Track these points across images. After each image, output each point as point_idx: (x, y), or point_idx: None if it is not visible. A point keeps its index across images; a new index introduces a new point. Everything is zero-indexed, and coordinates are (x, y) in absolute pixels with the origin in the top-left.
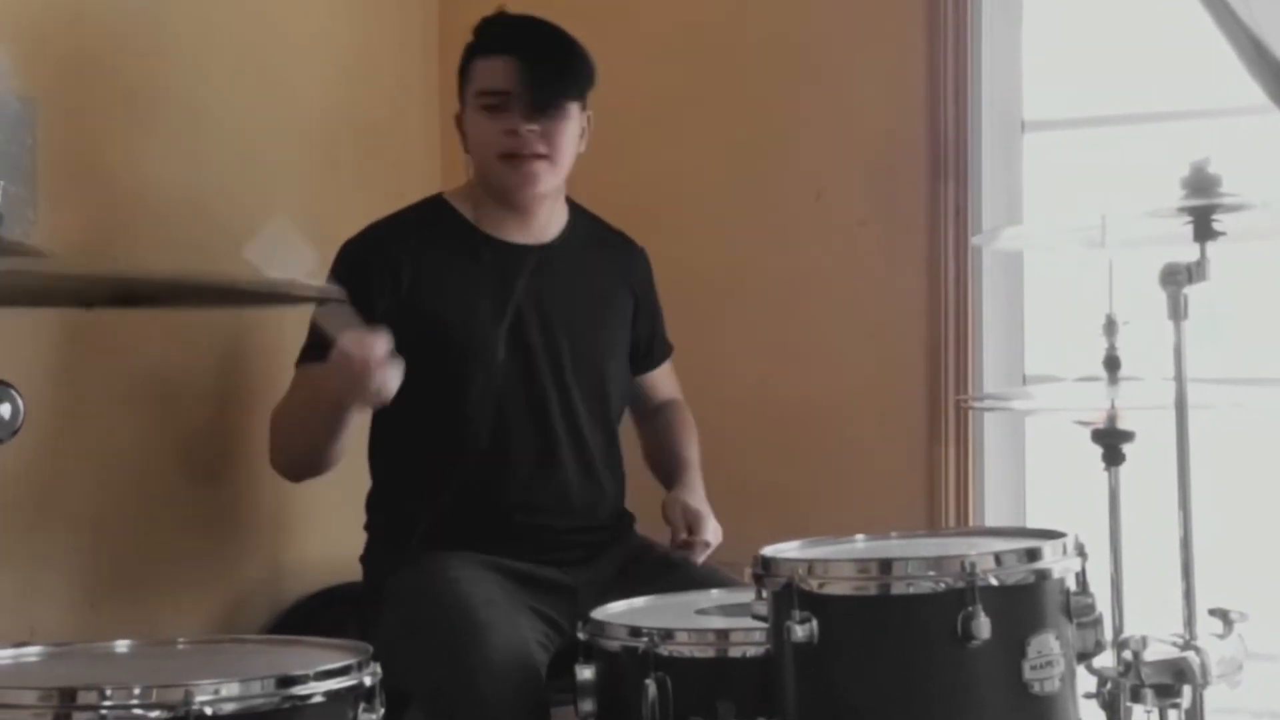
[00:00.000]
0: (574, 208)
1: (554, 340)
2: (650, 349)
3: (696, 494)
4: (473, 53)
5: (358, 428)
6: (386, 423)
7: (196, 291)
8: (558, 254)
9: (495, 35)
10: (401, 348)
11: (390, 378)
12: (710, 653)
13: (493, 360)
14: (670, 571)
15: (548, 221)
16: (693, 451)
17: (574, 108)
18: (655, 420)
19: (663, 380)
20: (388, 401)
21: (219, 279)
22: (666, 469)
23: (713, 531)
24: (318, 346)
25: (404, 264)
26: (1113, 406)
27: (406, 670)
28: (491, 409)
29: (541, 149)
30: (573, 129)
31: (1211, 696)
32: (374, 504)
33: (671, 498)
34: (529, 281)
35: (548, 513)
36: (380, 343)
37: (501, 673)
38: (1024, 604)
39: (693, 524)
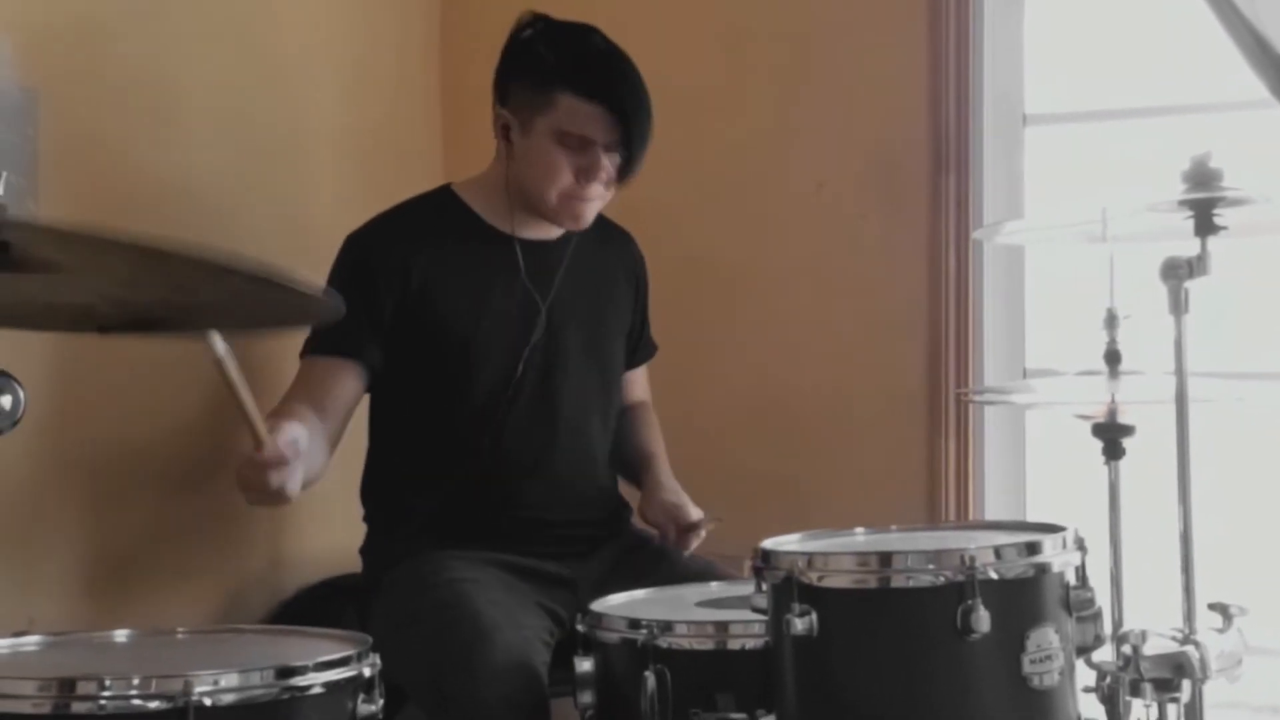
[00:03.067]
0: None
1: (562, 336)
2: (637, 346)
3: (669, 486)
4: (560, 83)
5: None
6: (387, 414)
7: (202, 304)
8: (561, 248)
9: (594, 80)
10: (407, 341)
11: (290, 481)
12: (709, 645)
13: (510, 366)
14: (669, 564)
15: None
16: (660, 447)
17: None
18: (623, 418)
19: (639, 380)
20: (288, 502)
21: (219, 256)
22: (632, 465)
23: (696, 515)
24: (320, 337)
25: (413, 259)
26: (1113, 400)
27: (405, 667)
28: (496, 408)
29: (600, 193)
30: None
31: (1211, 691)
32: (372, 495)
33: (646, 501)
34: (535, 276)
35: (548, 507)
36: (281, 447)
37: (504, 678)
38: (1023, 598)
39: (677, 517)
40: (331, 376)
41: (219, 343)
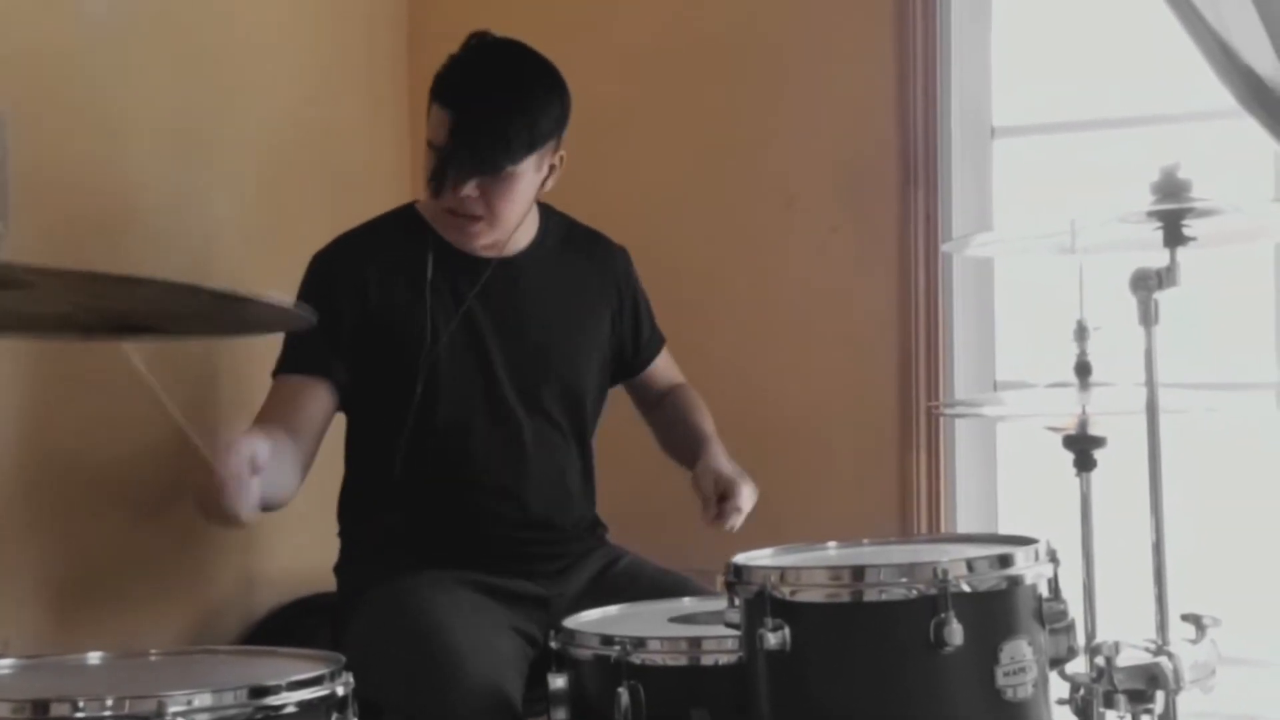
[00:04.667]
0: (546, 212)
1: (521, 352)
2: (639, 345)
3: (723, 461)
4: (432, 94)
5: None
6: (359, 432)
7: (179, 312)
8: (526, 264)
9: (446, 82)
10: (372, 359)
11: (244, 499)
12: (683, 661)
13: (466, 380)
14: (642, 581)
15: (515, 234)
16: (708, 425)
17: (521, 168)
18: (663, 407)
19: (663, 370)
20: (243, 525)
21: (185, 284)
22: (686, 447)
23: (747, 496)
24: (288, 357)
25: (370, 275)
26: (1084, 412)
27: (378, 690)
28: (459, 424)
29: (478, 211)
30: (519, 188)
31: (1184, 702)
32: (346, 513)
33: (702, 468)
34: (494, 294)
35: (519, 526)
36: (237, 459)
37: (476, 703)
38: (996, 610)
39: (726, 490)
40: (301, 395)
41: (137, 361)
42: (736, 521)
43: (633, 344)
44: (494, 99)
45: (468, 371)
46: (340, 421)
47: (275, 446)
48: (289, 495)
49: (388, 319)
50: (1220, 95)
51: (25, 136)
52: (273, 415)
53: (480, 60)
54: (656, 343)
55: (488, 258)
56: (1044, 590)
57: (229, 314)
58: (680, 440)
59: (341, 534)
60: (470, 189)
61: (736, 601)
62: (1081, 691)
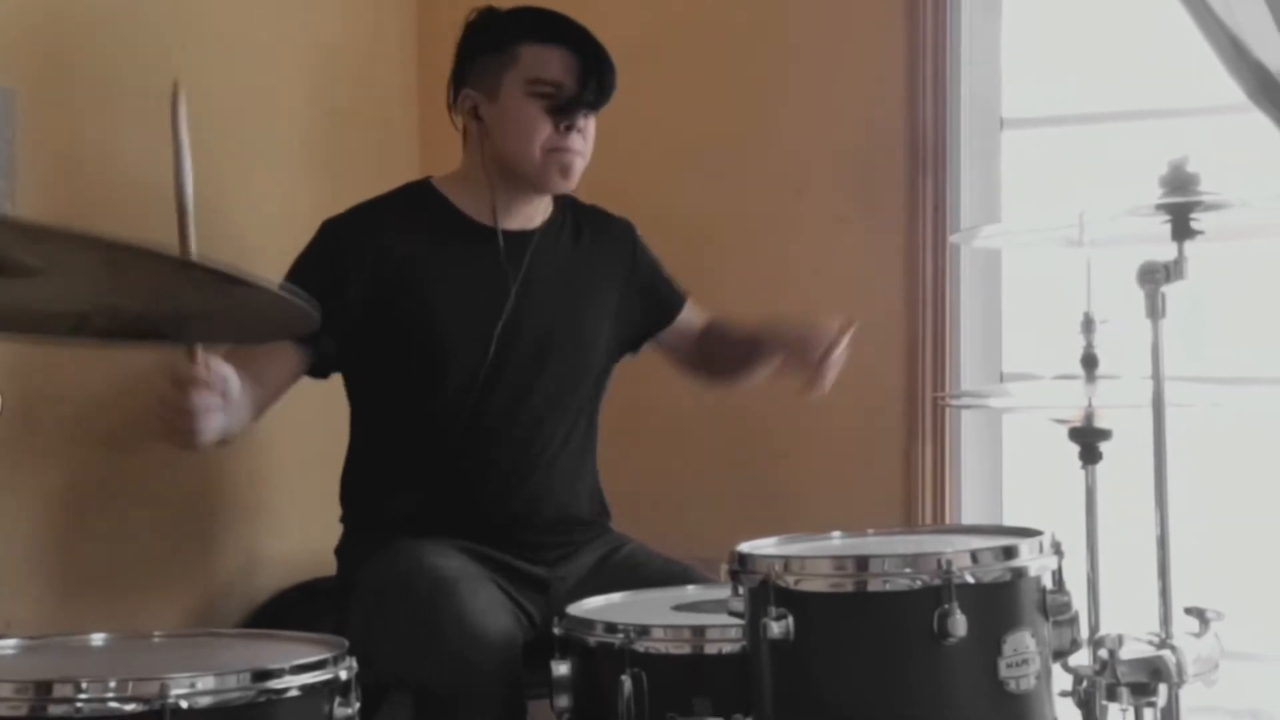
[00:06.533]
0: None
1: (538, 329)
2: (658, 309)
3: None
4: (519, 36)
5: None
6: (365, 412)
7: (186, 308)
8: (544, 241)
9: (551, 25)
10: (380, 332)
11: (205, 426)
12: (686, 649)
13: (482, 354)
14: (645, 568)
15: (536, 210)
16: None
17: None
18: (707, 338)
19: (694, 317)
20: (198, 448)
21: (175, 255)
22: (740, 343)
23: (838, 333)
24: None
25: (384, 246)
26: (1090, 405)
27: (382, 648)
28: (471, 400)
29: (581, 147)
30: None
31: (1187, 695)
32: (349, 495)
33: (772, 326)
34: (520, 270)
35: (526, 507)
36: (215, 378)
37: (477, 631)
38: (1000, 602)
39: (812, 337)
40: (275, 351)
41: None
42: (829, 379)
43: (655, 307)
44: (594, 37)
45: (482, 345)
46: (343, 404)
47: (240, 384)
48: (240, 429)
49: (406, 291)
50: (1230, 89)
51: (35, 114)
52: (241, 359)
53: (551, 9)
54: (677, 301)
55: (510, 231)
56: (1048, 582)
57: (237, 311)
58: (733, 346)
59: (344, 517)
60: (586, 123)
61: (740, 590)
62: (1084, 684)
